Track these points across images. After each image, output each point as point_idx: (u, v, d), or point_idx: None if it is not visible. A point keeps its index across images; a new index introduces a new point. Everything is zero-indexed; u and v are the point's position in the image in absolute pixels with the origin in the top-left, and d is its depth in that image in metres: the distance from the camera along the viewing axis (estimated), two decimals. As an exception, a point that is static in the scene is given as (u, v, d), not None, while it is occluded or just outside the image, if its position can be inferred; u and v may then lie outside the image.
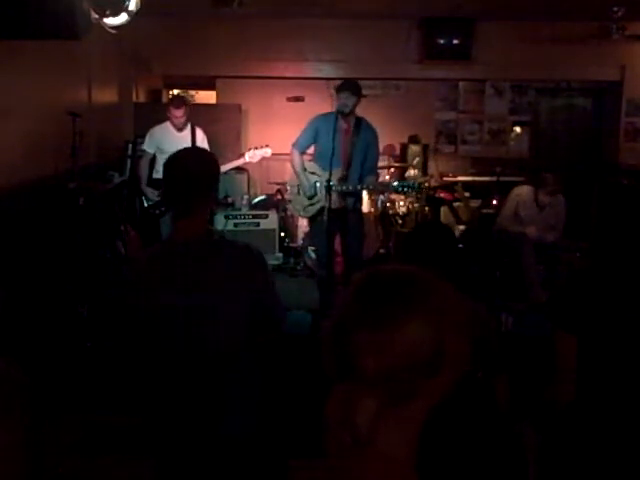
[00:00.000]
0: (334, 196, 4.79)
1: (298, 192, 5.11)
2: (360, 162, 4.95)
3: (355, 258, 5.16)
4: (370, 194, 6.91)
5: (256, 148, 5.83)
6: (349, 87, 4.85)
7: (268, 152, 5.78)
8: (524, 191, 5.69)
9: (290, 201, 5.35)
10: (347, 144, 4.91)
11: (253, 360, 2.07)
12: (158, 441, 2.08)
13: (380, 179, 6.59)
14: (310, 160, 5.13)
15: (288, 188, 5.35)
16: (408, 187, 5.07)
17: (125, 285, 2.13)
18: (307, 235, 6.41)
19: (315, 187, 5.00)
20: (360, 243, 5.29)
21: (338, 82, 5.19)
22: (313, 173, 5.02)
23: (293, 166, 5.10)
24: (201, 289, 1.97)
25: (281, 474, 2.09)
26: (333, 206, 4.79)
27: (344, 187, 4.87)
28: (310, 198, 5.04)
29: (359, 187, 4.95)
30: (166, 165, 2.13)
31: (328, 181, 4.74)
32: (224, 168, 5.58)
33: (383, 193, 6.94)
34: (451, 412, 0.91)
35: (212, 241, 2.13)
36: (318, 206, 5.00)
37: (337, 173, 4.83)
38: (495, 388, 2.09)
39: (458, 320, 0.93)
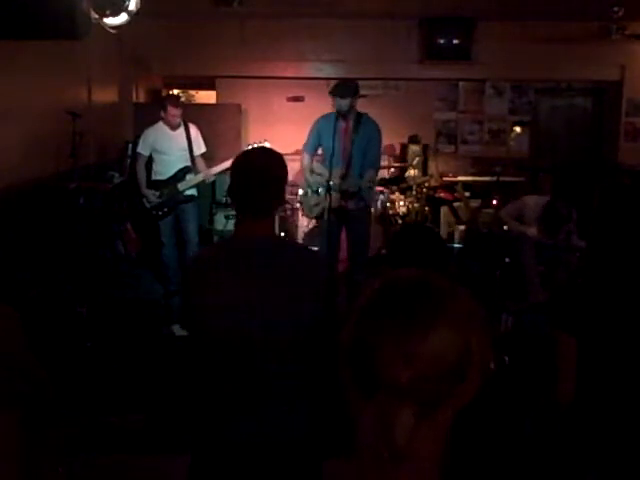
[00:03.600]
0: (335, 195, 4.82)
1: (305, 193, 5.16)
2: (361, 159, 4.96)
3: (358, 259, 5.16)
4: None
5: (255, 143, 5.80)
6: (338, 92, 4.89)
7: (267, 146, 5.76)
8: (532, 204, 5.51)
9: (301, 203, 5.38)
10: (347, 143, 4.94)
11: (307, 362, 2.06)
12: (206, 440, 2.06)
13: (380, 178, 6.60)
14: (319, 161, 5.19)
15: (300, 191, 5.39)
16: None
17: (188, 283, 2.09)
18: (307, 235, 6.41)
19: (317, 187, 5.05)
20: (365, 243, 5.29)
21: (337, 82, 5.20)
22: (319, 174, 5.05)
23: (302, 167, 5.20)
24: (267, 287, 1.96)
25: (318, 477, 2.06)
26: (333, 205, 4.82)
27: (343, 187, 4.88)
28: (306, 195, 5.10)
29: (358, 186, 4.95)
30: (238, 164, 2.10)
31: (327, 181, 4.77)
32: (223, 166, 5.57)
33: (385, 189, 6.98)
34: (477, 416, 0.91)
35: (279, 242, 2.13)
36: (321, 206, 5.03)
37: (338, 172, 4.86)
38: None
39: (481, 321, 0.93)
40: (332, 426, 2.09)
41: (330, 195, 4.79)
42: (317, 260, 2.18)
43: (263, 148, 2.22)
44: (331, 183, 4.75)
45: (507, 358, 3.34)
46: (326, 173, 4.93)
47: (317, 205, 5.08)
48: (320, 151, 5.18)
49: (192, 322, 2.11)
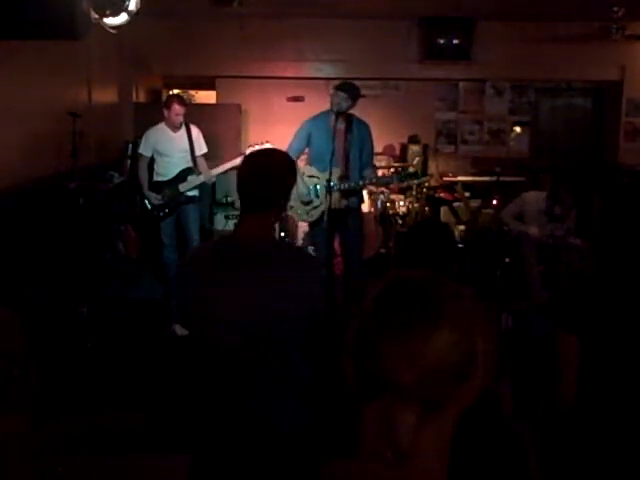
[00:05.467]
0: (335, 196, 4.80)
1: (301, 200, 5.08)
2: (357, 158, 4.97)
3: (354, 258, 5.17)
4: (370, 194, 6.92)
5: (256, 144, 5.78)
6: (346, 89, 4.86)
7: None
8: (532, 200, 5.55)
9: (291, 207, 5.29)
10: (344, 143, 4.93)
11: (304, 360, 2.07)
12: (201, 438, 2.07)
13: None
14: (307, 164, 5.15)
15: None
16: (409, 175, 5.13)
17: (183, 278, 2.11)
18: (307, 235, 6.40)
19: (316, 191, 5.00)
20: (359, 243, 5.29)
21: (338, 82, 5.19)
22: (312, 176, 5.01)
23: None
24: (261, 286, 1.97)
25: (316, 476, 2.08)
26: (334, 206, 4.80)
27: (346, 185, 4.87)
28: (307, 204, 5.04)
29: (361, 183, 4.96)
30: (244, 162, 2.14)
31: (328, 181, 4.75)
32: (224, 167, 5.56)
33: (386, 189, 6.96)
34: (477, 417, 0.91)
35: (275, 241, 2.13)
36: (321, 209, 4.98)
37: (336, 173, 4.83)
38: (499, 391, 2.09)
39: (485, 322, 0.93)
40: (332, 426, 2.09)
41: (330, 195, 4.78)
42: (311, 260, 2.23)
43: (273, 150, 2.24)
44: (332, 183, 4.74)
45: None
46: (321, 175, 4.92)
47: (316, 208, 5.04)
48: (307, 151, 5.16)
49: (186, 319, 2.12)
